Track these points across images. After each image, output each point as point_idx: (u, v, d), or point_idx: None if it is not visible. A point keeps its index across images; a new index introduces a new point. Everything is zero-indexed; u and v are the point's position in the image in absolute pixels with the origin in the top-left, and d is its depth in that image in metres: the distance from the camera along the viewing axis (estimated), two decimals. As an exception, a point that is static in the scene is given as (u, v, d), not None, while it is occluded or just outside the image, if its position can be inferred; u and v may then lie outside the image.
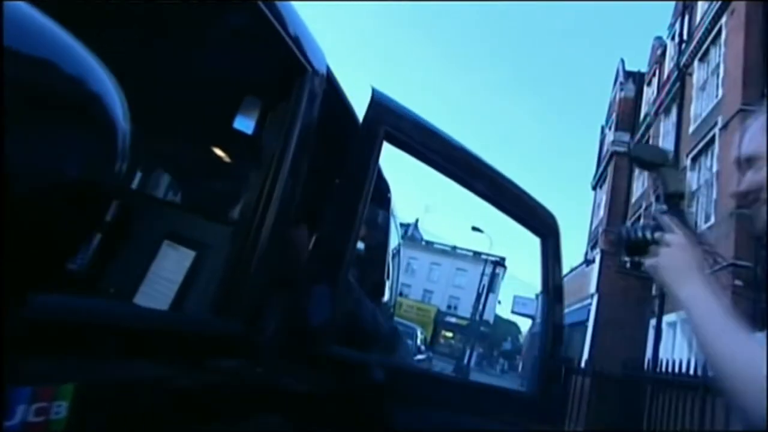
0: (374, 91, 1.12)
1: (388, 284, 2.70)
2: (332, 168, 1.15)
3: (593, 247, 19.70)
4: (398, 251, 3.05)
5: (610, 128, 21.86)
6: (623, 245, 0.91)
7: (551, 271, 1.51)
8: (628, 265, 13.48)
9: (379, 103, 1.14)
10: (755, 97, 9.60)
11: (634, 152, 1.36)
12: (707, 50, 12.88)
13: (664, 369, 5.94)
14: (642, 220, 15.89)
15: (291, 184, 0.90)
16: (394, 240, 2.73)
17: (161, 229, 1.17)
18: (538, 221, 1.55)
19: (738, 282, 8.38)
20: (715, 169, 10.70)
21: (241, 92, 1.16)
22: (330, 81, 1.08)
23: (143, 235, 1.19)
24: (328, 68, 1.06)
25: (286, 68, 0.92)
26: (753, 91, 9.70)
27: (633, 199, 17.81)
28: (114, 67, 0.45)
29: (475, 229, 21.85)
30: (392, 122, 1.14)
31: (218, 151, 1.60)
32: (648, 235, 0.85)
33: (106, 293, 1.16)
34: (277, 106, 0.99)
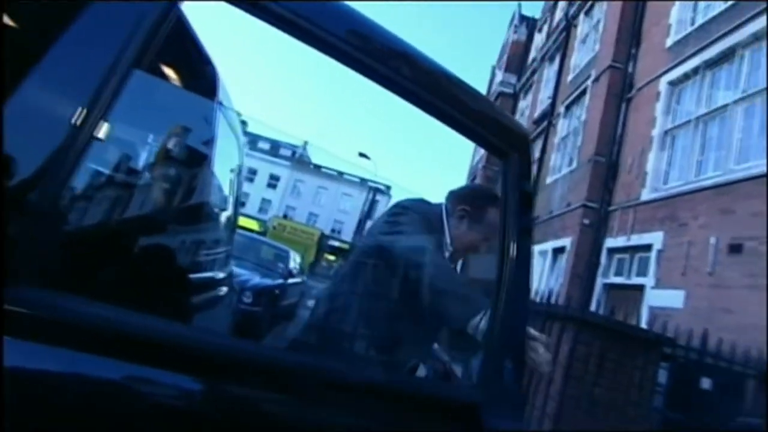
0: None
1: (222, 201, 2.43)
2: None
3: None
4: (240, 168, 2.77)
5: (500, 69, 22.67)
6: None
7: (512, 198, 1.12)
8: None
9: None
10: (623, 56, 10.48)
11: None
12: (593, 5, 13.61)
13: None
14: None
15: None
16: (230, 149, 2.41)
17: None
18: (496, 135, 1.15)
19: (585, 221, 9.54)
20: (583, 118, 11.70)
21: None
22: None
23: None
24: None
25: None
26: (622, 49, 10.55)
27: (511, 140, 18.99)
28: None
29: (362, 155, 21.93)
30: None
31: None
32: None
33: None
34: None
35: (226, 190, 2.54)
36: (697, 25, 8.53)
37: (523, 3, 23.60)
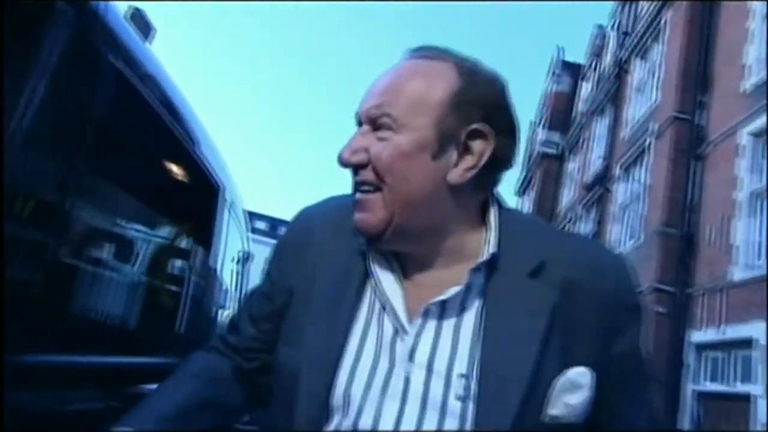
0: None
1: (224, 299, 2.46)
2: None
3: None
4: (245, 256, 2.83)
5: (541, 126, 23.16)
6: None
7: None
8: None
9: None
10: (690, 104, 10.60)
11: None
12: (647, 46, 14.04)
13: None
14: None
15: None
16: (233, 233, 2.49)
17: None
18: None
19: (660, 308, 9.16)
20: (645, 181, 11.65)
21: None
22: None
23: None
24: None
25: None
26: (688, 97, 10.69)
27: (559, 209, 18.96)
28: None
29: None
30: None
31: None
32: None
33: None
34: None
35: (228, 283, 2.56)
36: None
37: (564, 47, 24.42)
